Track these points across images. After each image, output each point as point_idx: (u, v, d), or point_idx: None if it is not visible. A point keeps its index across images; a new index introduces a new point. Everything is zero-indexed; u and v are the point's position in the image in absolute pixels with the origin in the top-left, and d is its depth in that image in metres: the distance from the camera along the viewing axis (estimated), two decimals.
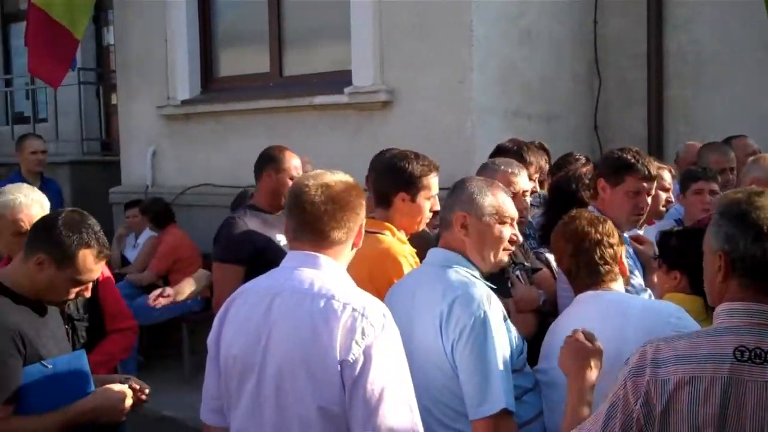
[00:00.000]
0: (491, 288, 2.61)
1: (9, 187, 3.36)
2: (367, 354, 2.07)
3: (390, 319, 2.18)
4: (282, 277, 2.26)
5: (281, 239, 3.85)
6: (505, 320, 2.54)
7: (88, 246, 2.65)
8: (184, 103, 7.25)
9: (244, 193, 5.20)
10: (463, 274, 2.59)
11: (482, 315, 2.44)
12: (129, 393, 2.82)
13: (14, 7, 11.31)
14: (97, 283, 3.22)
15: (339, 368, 2.07)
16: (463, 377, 2.37)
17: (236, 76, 7.22)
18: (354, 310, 2.11)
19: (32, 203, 3.23)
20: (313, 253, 2.25)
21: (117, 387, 2.83)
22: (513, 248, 2.81)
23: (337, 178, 2.32)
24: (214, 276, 3.88)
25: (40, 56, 7.45)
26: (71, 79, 8.82)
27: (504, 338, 2.49)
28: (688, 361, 1.81)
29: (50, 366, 2.64)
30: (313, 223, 2.24)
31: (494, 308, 2.50)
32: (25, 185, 3.45)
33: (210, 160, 7.13)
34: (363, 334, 2.08)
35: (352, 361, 2.06)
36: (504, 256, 2.71)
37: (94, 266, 2.70)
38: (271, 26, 6.83)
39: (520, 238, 2.81)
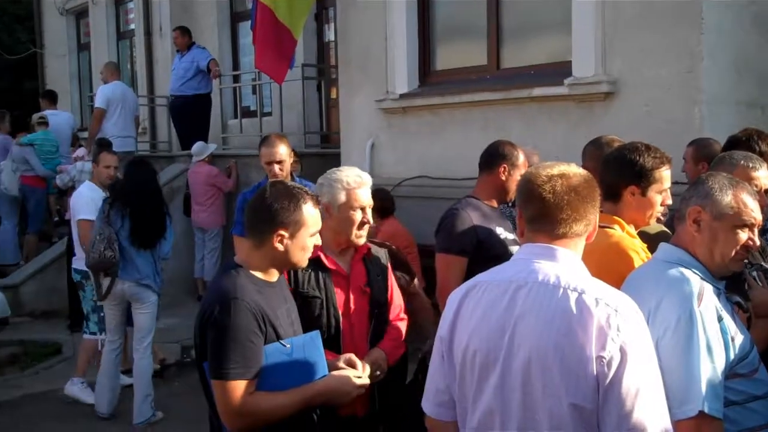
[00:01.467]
0: (718, 289, 2.48)
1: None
2: (622, 351, 2.02)
3: (641, 316, 2.12)
4: (522, 270, 2.21)
5: (500, 232, 3.88)
6: (720, 320, 2.39)
7: (304, 202, 2.80)
8: (403, 96, 7.40)
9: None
10: (682, 271, 2.46)
11: (689, 314, 2.33)
12: (364, 376, 2.93)
13: (243, 7, 12.00)
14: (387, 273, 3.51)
15: (594, 365, 2.02)
16: (665, 378, 2.24)
17: (453, 70, 7.29)
18: (607, 305, 2.06)
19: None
20: (551, 245, 2.21)
21: (350, 371, 2.95)
22: (747, 255, 2.63)
23: (574, 169, 2.27)
24: (438, 266, 3.94)
25: (266, 53, 7.89)
26: (294, 75, 9.25)
27: (715, 340, 2.34)
28: None
29: (288, 345, 2.76)
30: (554, 215, 2.19)
31: (706, 307, 2.37)
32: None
33: (426, 153, 7.25)
34: (618, 330, 2.03)
35: (608, 358, 2.01)
36: (734, 263, 2.54)
37: (318, 214, 2.87)
38: (489, 20, 6.83)
39: (758, 243, 2.61)
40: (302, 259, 2.86)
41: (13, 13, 19.12)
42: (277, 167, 5.00)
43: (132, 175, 6.19)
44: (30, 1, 17.33)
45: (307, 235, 2.81)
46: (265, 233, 2.78)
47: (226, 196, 9.61)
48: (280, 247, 2.77)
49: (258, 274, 2.81)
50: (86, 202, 6.46)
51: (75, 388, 6.63)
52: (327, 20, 10.68)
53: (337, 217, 3.36)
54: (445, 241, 3.88)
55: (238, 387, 2.61)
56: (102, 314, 6.30)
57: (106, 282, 5.90)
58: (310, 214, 2.82)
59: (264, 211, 2.79)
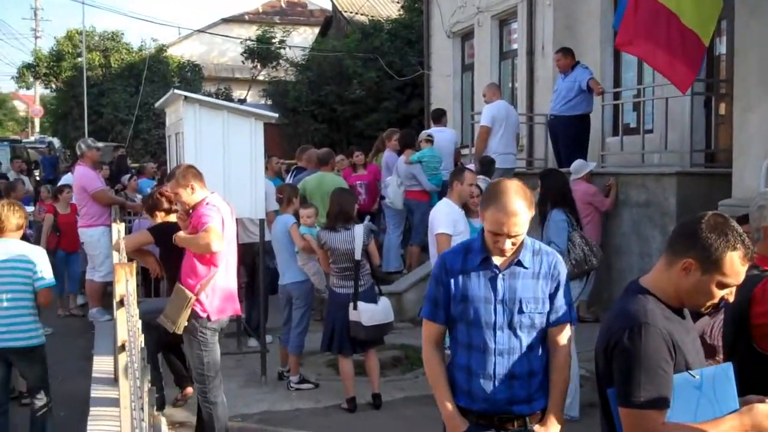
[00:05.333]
0: None
1: None
2: None
3: None
4: None
5: None
6: None
7: (734, 248, 2.62)
8: None
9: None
10: None
11: None
12: None
13: None
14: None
15: None
16: None
17: None
18: None
19: None
20: None
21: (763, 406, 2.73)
22: None
23: None
24: None
25: (671, 60, 7.64)
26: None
27: None
28: None
29: (697, 377, 2.63)
30: None
31: None
32: None
33: None
34: None
35: None
36: None
37: (741, 268, 2.65)
38: None
39: None
40: (698, 301, 2.72)
41: (404, 37, 20.68)
42: None
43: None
44: (420, 25, 18.64)
45: (714, 282, 2.65)
46: (678, 254, 2.68)
47: (603, 215, 9.49)
48: (684, 276, 2.66)
49: (665, 299, 2.72)
50: (444, 217, 6.78)
51: None
52: (719, 33, 10.10)
53: None
54: None
55: (650, 416, 2.55)
56: None
57: None
58: (733, 263, 2.64)
59: (690, 234, 2.69)
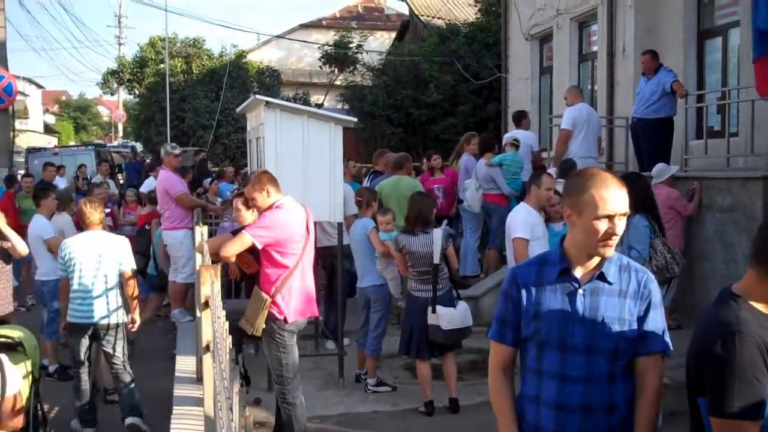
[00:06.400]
0: None
1: None
2: None
3: None
4: None
5: None
6: None
7: None
8: None
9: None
10: None
11: None
12: None
13: (710, 24, 11.51)
14: None
15: None
16: None
17: None
18: None
19: None
20: None
21: None
22: None
23: None
24: None
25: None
26: None
27: None
28: None
29: None
30: None
31: None
32: None
33: None
34: None
35: None
36: None
37: None
38: None
39: None
40: None
41: (482, 40, 20.60)
42: None
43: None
44: (498, 28, 18.55)
45: None
46: None
47: (686, 220, 9.28)
48: None
49: (759, 307, 2.65)
50: (522, 222, 6.72)
51: None
52: None
53: None
54: None
55: (743, 426, 2.50)
56: None
57: None
58: None
59: None
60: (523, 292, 3.05)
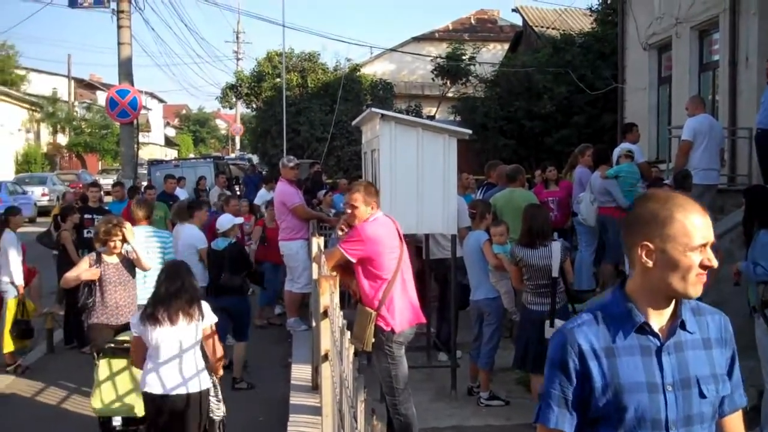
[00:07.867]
0: None
1: None
2: None
3: None
4: None
5: None
6: None
7: None
8: None
9: None
10: None
11: None
12: None
13: None
14: None
15: None
16: None
17: None
18: None
19: None
20: None
21: None
22: None
23: None
24: None
25: None
26: None
27: None
28: None
29: None
30: None
31: None
32: None
33: None
34: None
35: None
36: None
37: None
38: None
39: None
40: None
41: (597, 50, 20.27)
42: None
43: None
44: (614, 38, 18.20)
45: None
46: None
47: None
48: None
49: None
50: None
51: None
52: None
53: None
54: None
55: None
56: None
57: None
58: None
59: None
60: (590, 363, 2.38)
